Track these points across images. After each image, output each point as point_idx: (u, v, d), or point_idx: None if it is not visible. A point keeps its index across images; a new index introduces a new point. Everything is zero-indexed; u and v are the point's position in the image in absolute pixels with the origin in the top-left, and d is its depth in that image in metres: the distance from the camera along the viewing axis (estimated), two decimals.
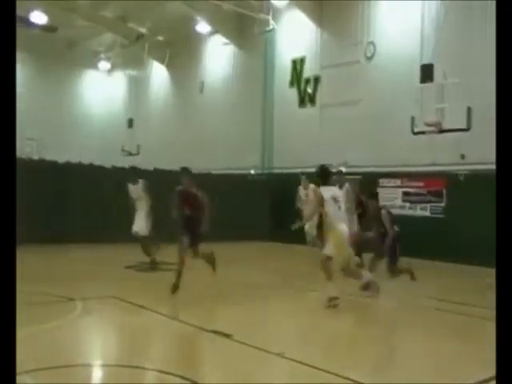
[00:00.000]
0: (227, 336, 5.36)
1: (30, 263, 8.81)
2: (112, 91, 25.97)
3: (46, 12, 20.35)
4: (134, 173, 10.62)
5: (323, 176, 7.50)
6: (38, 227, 12.12)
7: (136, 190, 10.18)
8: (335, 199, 7.18)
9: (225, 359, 4.90)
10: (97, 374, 4.60)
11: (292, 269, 11.19)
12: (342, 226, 7.17)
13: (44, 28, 21.33)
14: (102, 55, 24.98)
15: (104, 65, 25.31)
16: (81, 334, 5.73)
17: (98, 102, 25.64)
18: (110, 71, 26.02)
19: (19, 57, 23.35)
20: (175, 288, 7.34)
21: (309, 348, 5.36)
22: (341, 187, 9.40)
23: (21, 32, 21.60)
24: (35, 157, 17.13)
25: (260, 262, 12.45)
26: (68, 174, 13.58)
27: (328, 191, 7.26)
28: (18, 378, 4.01)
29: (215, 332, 5.51)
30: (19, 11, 20.57)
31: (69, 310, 6.28)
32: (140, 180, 10.26)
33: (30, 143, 20.09)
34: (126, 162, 19.43)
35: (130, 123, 24.61)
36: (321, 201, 7.16)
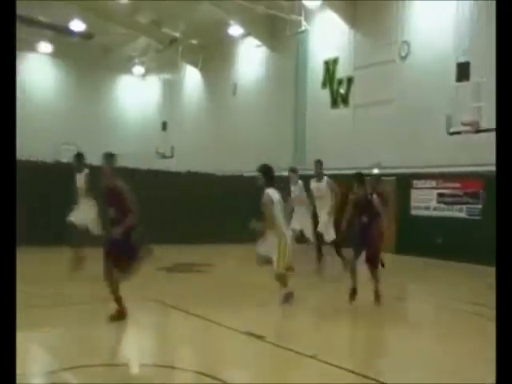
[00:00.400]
0: (260, 337, 5.40)
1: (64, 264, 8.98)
2: (146, 95, 26.38)
3: (84, 20, 20.93)
4: (79, 161, 9.40)
5: (268, 176, 7.07)
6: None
7: (80, 179, 9.30)
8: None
9: (257, 360, 4.92)
10: (132, 373, 4.69)
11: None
12: (288, 231, 7.13)
13: (82, 35, 21.92)
14: (137, 60, 25.40)
15: (138, 69, 25.75)
16: (118, 334, 5.85)
17: (132, 106, 26.08)
18: (144, 76, 26.44)
19: (58, 63, 24.17)
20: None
21: (340, 351, 5.33)
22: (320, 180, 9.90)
23: (60, 40, 22.38)
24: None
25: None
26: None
27: (274, 193, 7.00)
28: (63, 374, 4.24)
29: (248, 333, 5.55)
30: (59, 21, 21.14)
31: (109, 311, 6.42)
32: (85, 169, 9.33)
33: (67, 148, 20.56)
34: (160, 165, 19.76)
35: (164, 126, 24.97)
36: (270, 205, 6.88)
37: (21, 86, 22.71)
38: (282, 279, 6.95)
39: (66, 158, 17.66)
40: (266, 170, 7.12)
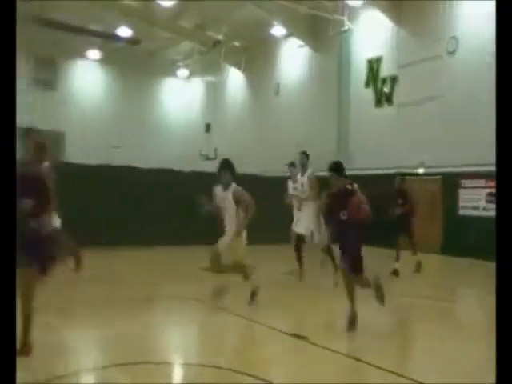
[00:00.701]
0: (303, 338, 5.44)
1: (112, 265, 9.26)
2: (190, 97, 26.76)
3: (130, 26, 21.50)
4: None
5: (232, 171, 6.92)
6: (117, 230, 12.81)
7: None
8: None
9: (300, 361, 4.95)
10: (176, 372, 4.82)
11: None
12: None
13: (129, 41, 22.51)
14: (181, 63, 25.82)
15: (182, 72, 26.17)
16: (163, 332, 6.00)
17: (176, 109, 26.50)
18: (188, 78, 26.84)
19: (106, 69, 24.85)
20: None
21: (384, 351, 5.29)
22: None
23: (108, 46, 23.02)
24: (119, 163, 17.99)
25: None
26: (148, 179, 14.16)
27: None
28: (108, 371, 4.41)
29: (291, 334, 5.60)
30: (107, 28, 21.69)
31: (157, 310, 6.60)
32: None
33: (115, 151, 21.12)
34: (204, 167, 20.02)
35: (208, 128, 25.25)
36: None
37: (70, 91, 23.59)
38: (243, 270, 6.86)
39: (114, 161, 18.23)
40: (229, 165, 6.98)
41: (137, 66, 24.13)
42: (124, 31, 21.81)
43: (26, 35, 20.34)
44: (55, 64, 23.23)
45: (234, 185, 6.81)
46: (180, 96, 26.68)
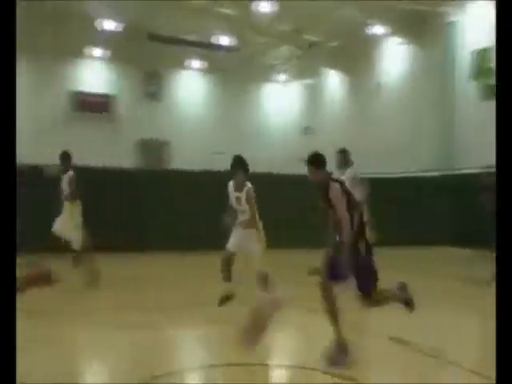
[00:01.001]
0: (405, 343, 5.30)
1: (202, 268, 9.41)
2: (288, 101, 26.91)
3: (228, 34, 22.12)
4: None
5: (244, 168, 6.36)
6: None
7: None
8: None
9: (403, 365, 4.80)
10: (274, 374, 4.83)
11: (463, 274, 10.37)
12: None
13: (228, 49, 23.16)
14: (279, 67, 26.06)
15: (280, 76, 26.41)
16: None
17: (275, 112, 26.79)
18: (286, 82, 27.02)
19: (207, 77, 25.68)
20: None
21: (482, 356, 4.95)
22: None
23: (209, 55, 23.80)
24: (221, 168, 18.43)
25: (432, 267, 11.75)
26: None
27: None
28: (213, 370, 4.51)
29: (393, 338, 5.44)
30: (205, 37, 22.45)
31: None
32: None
33: (217, 157, 21.72)
34: (304, 169, 19.91)
35: (307, 131, 25.20)
36: None
37: (174, 101, 24.68)
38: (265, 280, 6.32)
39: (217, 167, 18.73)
40: (242, 162, 6.37)
41: (236, 72, 24.72)
42: (223, 39, 22.53)
43: (136, 51, 21.72)
44: (160, 76, 24.43)
45: (248, 185, 6.40)
46: (278, 100, 26.93)
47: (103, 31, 20.94)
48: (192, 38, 22.63)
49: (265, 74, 26.30)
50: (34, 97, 20.64)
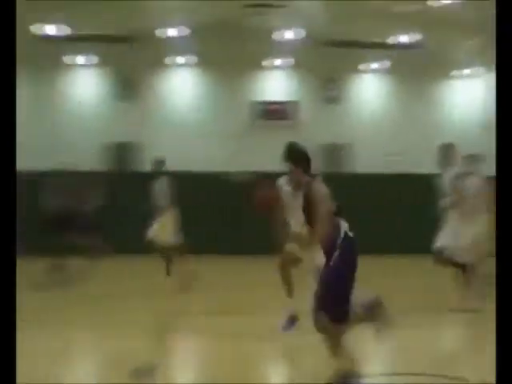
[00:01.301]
0: None
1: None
2: (471, 96, 25.36)
3: (417, 32, 21.36)
4: None
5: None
6: None
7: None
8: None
9: None
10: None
11: None
12: None
13: (412, 46, 22.48)
14: (466, 61, 24.61)
15: (466, 72, 25.10)
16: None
17: (456, 109, 25.44)
18: (470, 77, 25.53)
19: (389, 78, 25.18)
20: None
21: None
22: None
23: (391, 55, 23.35)
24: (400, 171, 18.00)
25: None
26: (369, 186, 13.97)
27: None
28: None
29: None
30: (387, 38, 21.90)
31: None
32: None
33: (395, 159, 21.19)
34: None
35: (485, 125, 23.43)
36: None
37: (353, 104, 24.73)
38: None
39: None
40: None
41: (418, 70, 23.91)
42: (403, 38, 21.96)
43: (314, 58, 22.33)
44: (339, 80, 24.75)
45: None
46: (461, 96, 25.44)
47: (282, 41, 21.79)
48: (373, 39, 22.42)
49: (449, 69, 25.00)
50: (219, 109, 22.71)
